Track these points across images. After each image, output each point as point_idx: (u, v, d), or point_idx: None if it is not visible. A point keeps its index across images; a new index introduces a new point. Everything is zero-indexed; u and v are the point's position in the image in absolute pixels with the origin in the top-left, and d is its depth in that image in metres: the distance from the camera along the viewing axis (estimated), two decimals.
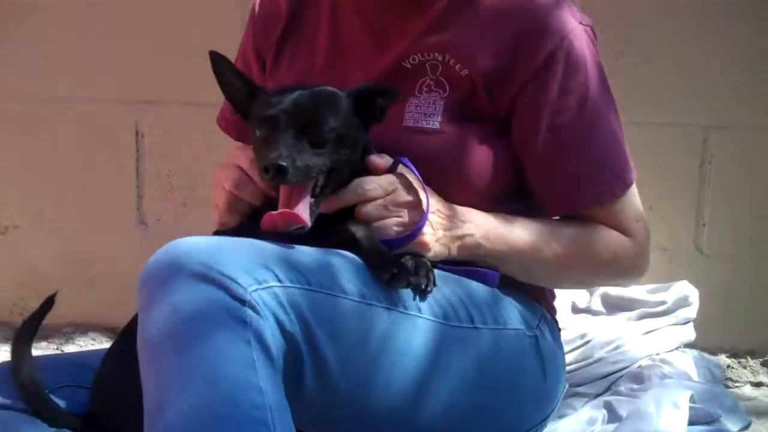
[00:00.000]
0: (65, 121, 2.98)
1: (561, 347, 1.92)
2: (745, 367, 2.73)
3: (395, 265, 1.54)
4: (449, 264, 1.69)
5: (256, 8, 1.98)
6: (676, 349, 2.45)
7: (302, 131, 1.56)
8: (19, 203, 3.05)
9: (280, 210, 1.53)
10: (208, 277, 1.37)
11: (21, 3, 2.95)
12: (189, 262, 1.38)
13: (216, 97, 2.82)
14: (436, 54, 1.76)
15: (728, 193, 2.87)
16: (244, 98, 1.68)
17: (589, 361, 2.33)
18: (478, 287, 1.71)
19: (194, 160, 2.95)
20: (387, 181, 1.63)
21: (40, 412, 1.62)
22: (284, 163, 1.49)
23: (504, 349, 1.70)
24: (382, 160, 1.66)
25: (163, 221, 3.00)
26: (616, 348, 2.36)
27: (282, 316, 1.40)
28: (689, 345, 2.54)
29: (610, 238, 1.80)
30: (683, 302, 2.57)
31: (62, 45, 2.95)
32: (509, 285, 1.79)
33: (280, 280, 1.42)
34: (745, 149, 2.87)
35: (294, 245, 1.52)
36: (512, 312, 1.75)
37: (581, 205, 1.78)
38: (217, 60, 1.67)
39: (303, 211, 1.54)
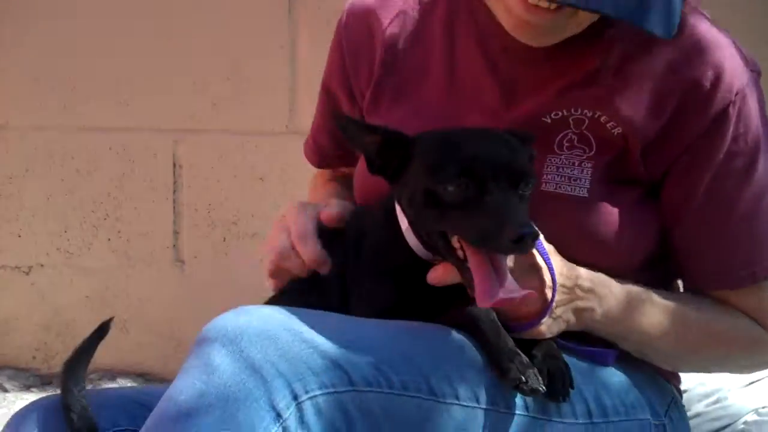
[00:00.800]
0: (96, 151, 2.83)
1: (688, 427, 1.72)
2: None
3: (523, 369, 1.32)
4: (563, 338, 1.49)
5: (342, 33, 1.73)
6: None
7: (513, 188, 1.35)
8: (45, 240, 2.89)
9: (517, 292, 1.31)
10: (258, 370, 1.20)
11: (52, 29, 2.82)
12: (249, 341, 1.22)
13: (262, 124, 2.76)
14: (585, 111, 1.51)
15: None
16: (382, 150, 1.44)
17: (688, 415, 2.07)
18: (598, 371, 1.51)
19: (237, 192, 2.79)
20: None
21: None
22: (536, 230, 1.28)
23: None
24: None
25: (201, 259, 2.84)
26: (717, 401, 2.11)
27: (341, 425, 1.22)
28: None
29: (747, 329, 1.59)
30: None
31: (93, 70, 2.80)
32: (636, 362, 1.58)
33: (352, 383, 1.24)
34: None
35: (387, 324, 1.34)
36: (639, 399, 1.54)
37: (735, 283, 1.57)
38: (345, 124, 1.46)
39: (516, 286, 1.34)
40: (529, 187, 1.36)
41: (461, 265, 1.35)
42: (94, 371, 2.78)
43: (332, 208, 1.54)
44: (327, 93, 1.80)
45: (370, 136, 1.43)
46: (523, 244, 1.26)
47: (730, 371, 1.93)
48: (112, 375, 2.80)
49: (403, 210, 1.44)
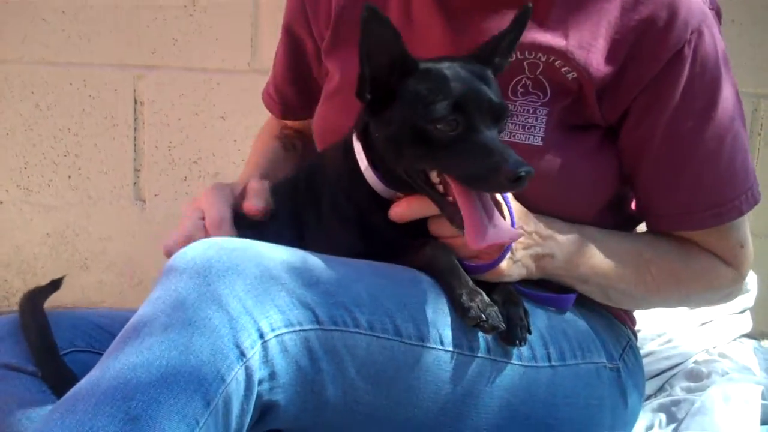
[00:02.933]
0: (56, 87, 2.75)
1: (642, 368, 1.75)
2: None
3: (484, 308, 1.32)
4: (521, 285, 1.50)
5: None
6: (734, 340, 2.23)
7: (495, 125, 1.32)
8: (4, 176, 2.82)
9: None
10: (225, 306, 1.19)
11: None
12: (217, 275, 1.20)
13: (226, 62, 2.70)
14: (540, 55, 1.49)
15: None
16: (386, 72, 1.35)
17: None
18: (557, 317, 1.52)
19: (198, 130, 2.73)
20: None
21: (51, 382, 1.42)
22: (532, 169, 1.24)
23: (579, 385, 1.52)
24: None
25: (162, 197, 2.79)
26: (669, 341, 2.15)
27: (305, 364, 1.22)
28: (745, 335, 2.32)
29: (709, 267, 1.61)
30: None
31: (53, 3, 2.70)
32: (593, 307, 1.61)
33: (319, 322, 1.23)
34: None
35: (355, 263, 1.33)
36: (595, 343, 1.57)
37: (698, 225, 1.57)
38: (374, 16, 1.30)
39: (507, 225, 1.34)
40: (506, 122, 1.36)
41: (442, 199, 1.33)
42: (55, 308, 2.74)
43: (254, 201, 1.48)
44: (289, 34, 1.76)
45: (391, 50, 1.32)
46: (521, 182, 1.24)
47: (696, 306, 1.96)
48: None
49: (370, 146, 1.40)
